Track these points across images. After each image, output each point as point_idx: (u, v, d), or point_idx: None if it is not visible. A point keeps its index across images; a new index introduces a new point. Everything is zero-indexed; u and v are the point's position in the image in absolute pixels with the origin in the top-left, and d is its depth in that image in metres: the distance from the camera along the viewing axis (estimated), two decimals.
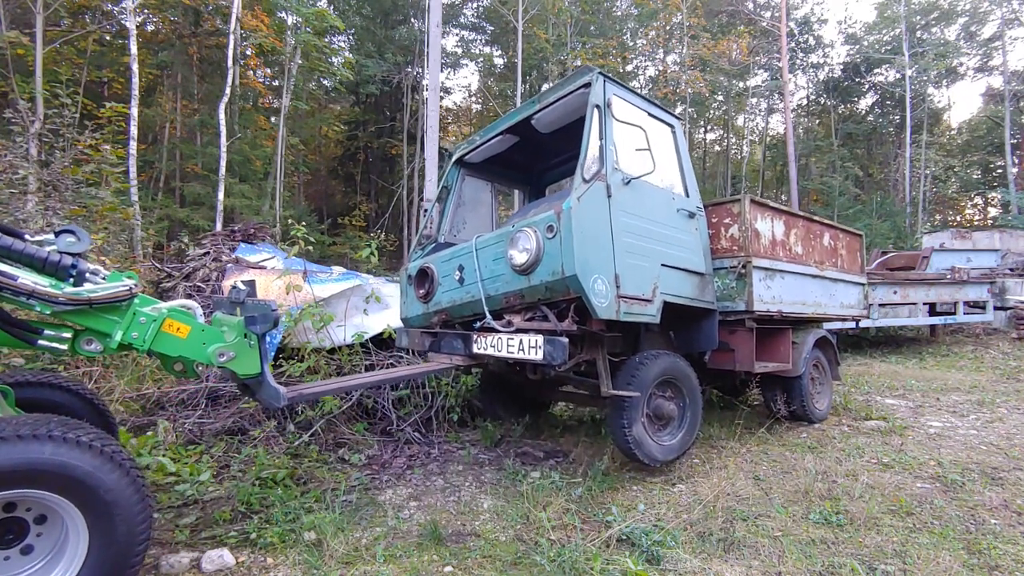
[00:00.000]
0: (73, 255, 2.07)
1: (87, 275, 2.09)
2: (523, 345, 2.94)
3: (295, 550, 2.45)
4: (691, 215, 3.75)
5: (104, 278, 2.16)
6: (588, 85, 3.30)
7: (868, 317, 6.05)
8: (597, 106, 3.19)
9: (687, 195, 3.81)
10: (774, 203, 4.42)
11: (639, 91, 3.75)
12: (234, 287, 2.47)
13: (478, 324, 3.35)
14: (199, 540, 2.56)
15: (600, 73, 3.31)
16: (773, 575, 2.28)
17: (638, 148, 3.36)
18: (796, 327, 4.82)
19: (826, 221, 5.14)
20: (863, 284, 5.56)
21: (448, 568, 2.35)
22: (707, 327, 3.87)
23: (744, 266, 3.91)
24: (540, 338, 2.85)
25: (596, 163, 3.08)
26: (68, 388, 2.68)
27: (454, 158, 4.58)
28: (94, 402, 2.75)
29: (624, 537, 2.56)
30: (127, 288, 2.10)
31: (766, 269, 4.08)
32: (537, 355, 2.85)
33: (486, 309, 3.21)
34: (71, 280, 2.04)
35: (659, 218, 3.45)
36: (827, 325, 6.06)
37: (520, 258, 2.96)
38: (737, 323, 4.08)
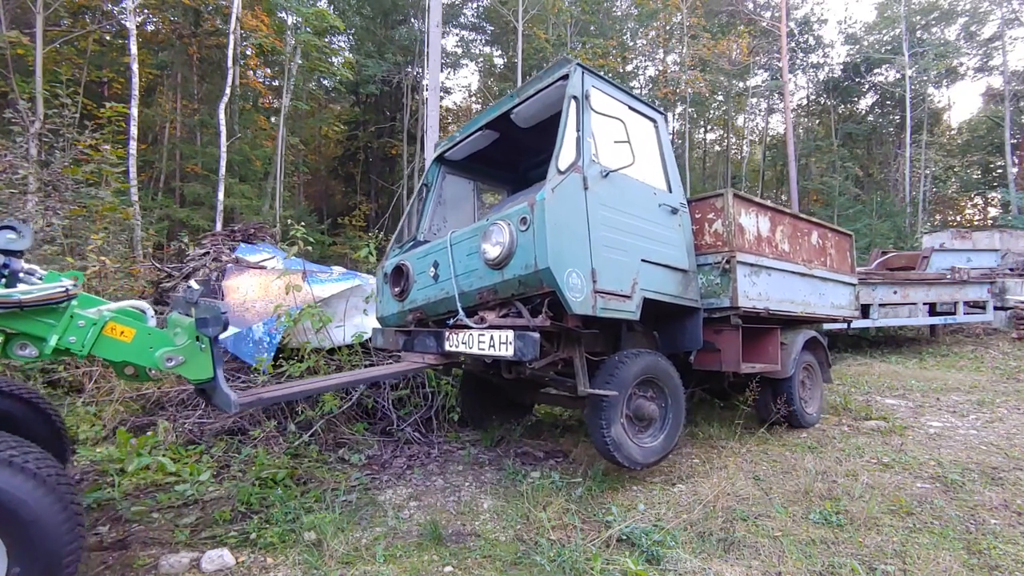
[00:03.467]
0: (8, 253, 1.96)
1: (21, 275, 1.98)
2: (494, 341, 2.87)
3: (295, 550, 2.45)
4: (674, 211, 3.67)
5: (41, 278, 2.05)
6: (566, 77, 3.22)
7: (859, 318, 5.95)
8: (575, 97, 3.12)
9: (670, 190, 3.74)
10: (758, 199, 4.35)
11: (621, 84, 3.66)
12: (188, 286, 2.38)
13: (451, 321, 3.26)
14: (199, 540, 2.56)
15: (578, 64, 3.23)
16: (773, 575, 2.28)
17: (616, 140, 3.29)
18: (785, 328, 4.70)
19: (814, 219, 5.05)
20: (854, 284, 5.47)
21: (448, 568, 2.35)
22: (691, 326, 3.78)
23: (728, 261, 3.83)
24: (510, 333, 2.77)
25: (572, 155, 3.01)
26: (15, 395, 2.51)
27: (434, 155, 4.49)
28: (45, 411, 2.59)
29: (624, 537, 2.56)
30: (63, 289, 1.99)
31: (751, 265, 3.99)
32: (508, 351, 2.76)
33: (459, 305, 3.13)
34: (3, 280, 1.94)
35: (639, 212, 3.37)
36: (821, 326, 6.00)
37: (493, 252, 2.88)
38: (723, 322, 3.98)
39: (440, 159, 4.50)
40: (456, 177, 4.72)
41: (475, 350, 2.99)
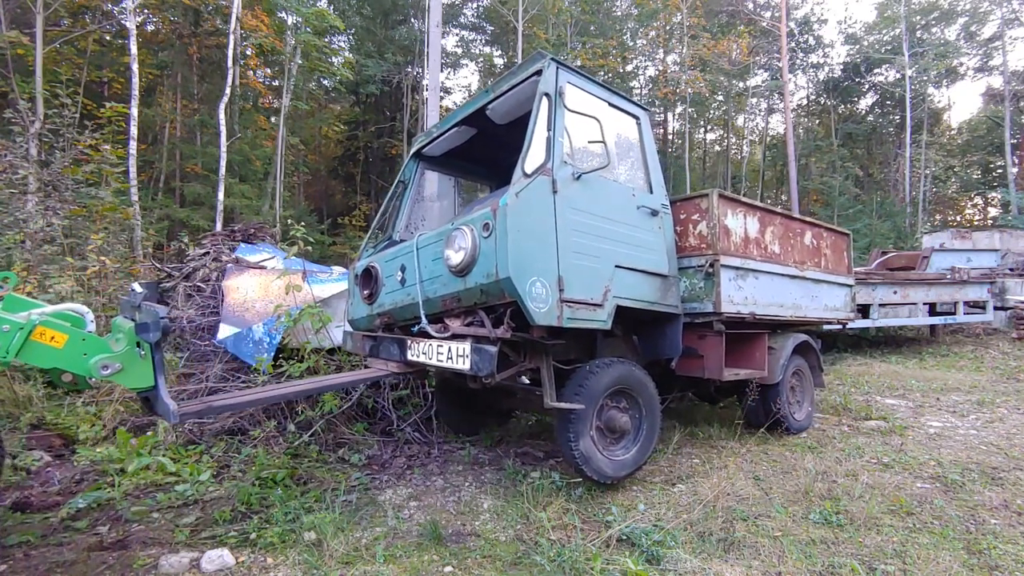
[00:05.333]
0: None
1: None
2: (451, 353, 2.76)
3: (295, 550, 2.45)
4: (654, 212, 3.51)
5: None
6: (540, 72, 3.06)
7: (855, 320, 5.72)
8: (547, 94, 2.98)
9: (651, 191, 3.59)
10: (746, 199, 4.18)
11: (599, 80, 3.47)
12: (132, 289, 2.28)
13: (415, 328, 3.12)
14: (199, 540, 2.57)
15: (552, 59, 3.09)
16: (773, 575, 2.28)
17: (592, 140, 3.17)
18: (774, 331, 4.57)
19: (808, 219, 4.90)
20: (850, 285, 5.34)
21: (448, 568, 2.35)
22: (671, 332, 3.62)
23: (712, 265, 3.69)
24: (467, 346, 2.66)
25: (541, 156, 2.87)
26: None
27: (412, 151, 4.34)
28: None
29: (624, 537, 2.56)
30: None
31: (737, 268, 3.85)
32: (464, 365, 2.66)
33: (422, 312, 3.02)
34: None
35: (615, 216, 3.22)
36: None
37: (456, 258, 2.75)
38: (706, 327, 3.84)
39: (418, 155, 4.33)
40: (435, 173, 4.56)
41: (434, 361, 2.90)
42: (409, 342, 3.13)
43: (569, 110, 3.09)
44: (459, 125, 3.87)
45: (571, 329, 2.93)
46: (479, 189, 5.13)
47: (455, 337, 2.84)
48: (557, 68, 3.10)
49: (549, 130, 2.94)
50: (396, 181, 4.34)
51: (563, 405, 2.93)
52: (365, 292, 3.63)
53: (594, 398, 3.07)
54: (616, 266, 3.14)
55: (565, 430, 3.02)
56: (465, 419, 4.36)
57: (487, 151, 4.47)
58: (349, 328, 4.02)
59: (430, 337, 2.94)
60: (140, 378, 2.19)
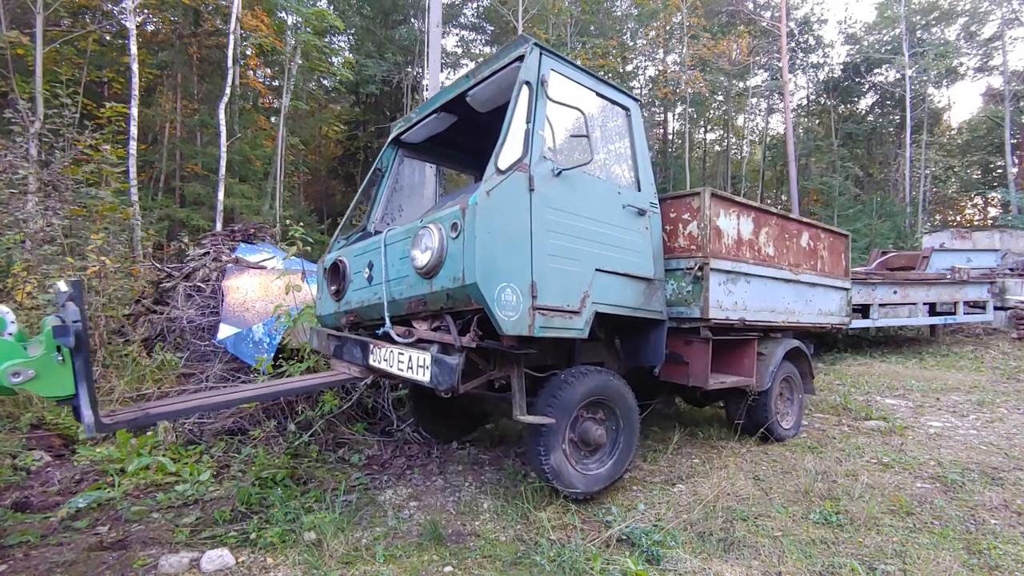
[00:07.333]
0: None
1: None
2: (412, 363, 2.56)
3: (295, 550, 2.44)
4: (641, 212, 3.28)
5: None
6: (522, 58, 2.84)
7: (849, 326, 5.57)
8: (527, 83, 2.75)
9: (639, 189, 3.37)
10: (741, 198, 3.97)
11: (587, 68, 3.29)
12: (56, 287, 2.11)
13: (380, 331, 2.90)
14: (199, 540, 2.56)
15: (536, 44, 2.85)
16: (773, 575, 2.28)
17: (576, 133, 2.95)
18: (765, 336, 4.39)
19: (805, 220, 4.69)
20: (846, 289, 5.14)
21: (448, 568, 2.35)
22: (654, 339, 3.43)
23: (701, 268, 3.49)
24: (427, 356, 2.47)
25: (518, 150, 2.65)
26: None
27: (390, 137, 4.09)
28: None
29: (624, 537, 2.56)
30: None
31: (727, 272, 3.66)
32: (424, 376, 2.47)
33: (387, 314, 2.83)
34: None
35: (598, 215, 3.00)
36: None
37: (422, 259, 2.54)
38: (693, 332, 3.64)
39: (397, 141, 4.07)
40: (414, 161, 4.30)
41: (395, 369, 2.69)
42: (371, 346, 2.91)
43: (552, 100, 2.83)
44: (439, 111, 3.62)
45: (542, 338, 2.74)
46: (464, 177, 4.97)
47: (419, 343, 2.64)
48: (540, 54, 2.86)
49: (529, 122, 2.72)
50: (372, 168, 4.10)
51: (533, 419, 2.73)
52: (332, 288, 3.43)
53: (568, 410, 2.88)
54: (597, 270, 2.96)
55: (536, 443, 2.84)
56: (441, 424, 4.17)
57: (471, 138, 4.21)
58: (317, 325, 3.83)
59: (393, 342, 2.76)
60: (57, 386, 1.99)
